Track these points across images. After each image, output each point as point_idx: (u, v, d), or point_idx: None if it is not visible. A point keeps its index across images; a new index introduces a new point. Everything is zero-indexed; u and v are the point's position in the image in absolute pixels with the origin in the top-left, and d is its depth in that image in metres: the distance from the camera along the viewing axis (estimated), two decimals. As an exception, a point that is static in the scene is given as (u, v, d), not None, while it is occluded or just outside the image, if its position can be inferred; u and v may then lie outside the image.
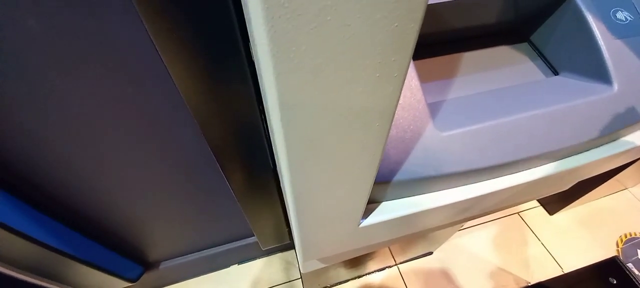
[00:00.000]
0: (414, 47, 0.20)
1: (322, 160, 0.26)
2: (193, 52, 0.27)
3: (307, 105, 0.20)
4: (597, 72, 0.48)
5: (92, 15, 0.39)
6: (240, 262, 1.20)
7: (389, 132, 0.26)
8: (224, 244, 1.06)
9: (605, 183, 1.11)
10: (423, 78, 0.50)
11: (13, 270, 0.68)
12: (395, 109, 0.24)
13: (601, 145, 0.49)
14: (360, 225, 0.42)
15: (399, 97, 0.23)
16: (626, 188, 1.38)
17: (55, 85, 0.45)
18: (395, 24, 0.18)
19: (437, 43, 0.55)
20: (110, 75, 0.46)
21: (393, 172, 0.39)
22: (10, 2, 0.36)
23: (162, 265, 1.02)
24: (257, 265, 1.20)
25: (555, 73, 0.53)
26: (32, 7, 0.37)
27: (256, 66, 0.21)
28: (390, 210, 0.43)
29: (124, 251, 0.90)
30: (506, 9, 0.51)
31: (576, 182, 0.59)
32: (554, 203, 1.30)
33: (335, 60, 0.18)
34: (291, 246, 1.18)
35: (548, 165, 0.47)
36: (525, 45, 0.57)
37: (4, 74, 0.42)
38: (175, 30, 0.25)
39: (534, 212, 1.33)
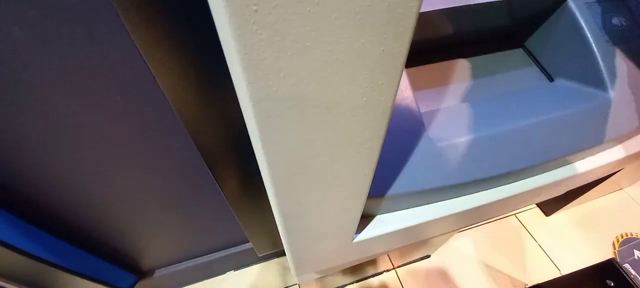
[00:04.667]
0: (403, 68, 0.19)
1: (309, 183, 0.25)
2: (181, 61, 0.26)
3: (290, 131, 0.19)
4: (593, 78, 0.48)
5: (80, 23, 0.38)
6: (236, 268, 1.18)
7: (380, 152, 0.25)
8: (220, 251, 1.04)
9: (601, 184, 1.11)
10: (417, 86, 0.49)
11: (1, 282, 0.67)
12: (386, 131, 0.23)
13: (599, 152, 0.49)
14: (354, 240, 0.41)
15: (389, 118, 0.22)
16: (622, 189, 1.39)
17: (44, 94, 0.44)
18: (382, 48, 0.16)
19: (430, 50, 0.54)
20: (99, 84, 0.45)
21: (387, 186, 0.38)
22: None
23: (157, 273, 1.01)
24: (253, 271, 1.18)
25: (550, 79, 0.52)
26: (17, 16, 0.36)
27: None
28: (385, 223, 0.42)
29: (116, 260, 0.88)
30: (500, 15, 0.50)
31: (573, 187, 0.58)
32: (550, 204, 1.30)
33: (318, 86, 0.17)
34: (287, 251, 1.17)
35: (545, 174, 0.46)
36: (519, 51, 0.56)
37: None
38: (162, 40, 0.24)
39: (530, 213, 1.33)
